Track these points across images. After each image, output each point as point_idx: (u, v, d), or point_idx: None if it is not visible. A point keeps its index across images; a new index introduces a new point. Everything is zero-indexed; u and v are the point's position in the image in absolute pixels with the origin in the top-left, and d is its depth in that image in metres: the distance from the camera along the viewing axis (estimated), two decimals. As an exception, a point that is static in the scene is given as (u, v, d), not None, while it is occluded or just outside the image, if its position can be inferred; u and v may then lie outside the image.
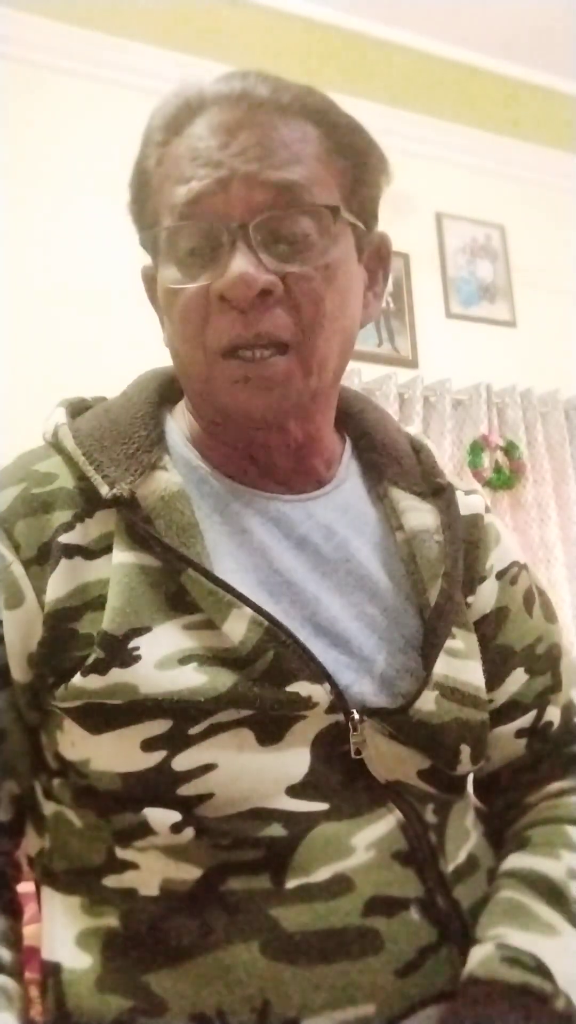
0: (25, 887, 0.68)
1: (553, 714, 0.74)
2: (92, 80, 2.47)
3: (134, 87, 2.41)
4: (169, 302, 0.66)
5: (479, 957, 0.58)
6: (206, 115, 0.65)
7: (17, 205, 2.31)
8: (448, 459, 2.58)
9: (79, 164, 2.39)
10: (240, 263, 0.61)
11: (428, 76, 2.93)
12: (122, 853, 0.60)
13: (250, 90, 0.65)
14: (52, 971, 0.60)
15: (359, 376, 2.52)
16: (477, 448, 2.64)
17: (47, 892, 0.64)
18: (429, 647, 0.66)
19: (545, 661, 0.75)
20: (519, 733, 0.73)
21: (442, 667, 0.66)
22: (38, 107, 2.40)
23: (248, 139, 0.63)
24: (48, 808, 0.65)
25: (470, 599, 0.74)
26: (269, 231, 0.63)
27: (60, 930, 0.61)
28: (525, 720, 0.73)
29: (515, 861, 0.67)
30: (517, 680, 0.74)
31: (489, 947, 0.58)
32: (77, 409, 0.74)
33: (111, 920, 0.59)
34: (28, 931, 0.69)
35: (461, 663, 0.68)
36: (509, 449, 2.68)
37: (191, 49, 2.53)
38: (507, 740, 0.73)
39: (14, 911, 0.66)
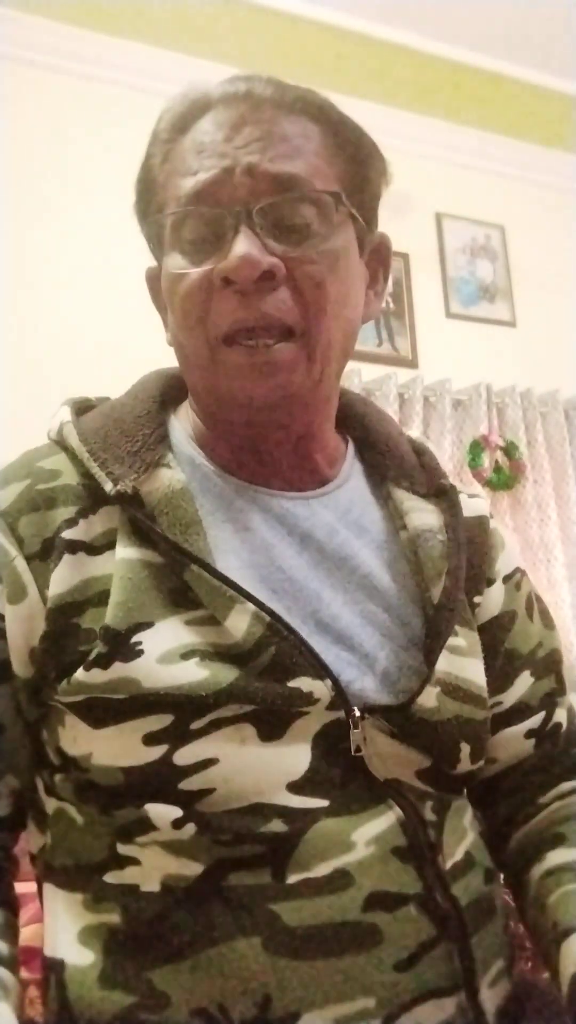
0: (25, 887, 0.68)
1: (561, 716, 0.76)
2: (92, 80, 2.48)
3: (134, 87, 2.42)
4: (172, 290, 0.67)
5: None
6: (212, 113, 0.67)
7: (17, 205, 2.31)
8: (448, 459, 2.58)
9: (79, 164, 2.40)
10: (243, 245, 0.62)
11: (428, 76, 2.93)
12: (123, 849, 0.60)
13: (254, 90, 0.66)
14: (55, 968, 0.60)
15: (359, 376, 2.52)
16: (477, 448, 2.64)
17: (49, 889, 0.64)
18: (431, 643, 0.67)
19: (548, 665, 0.77)
20: (528, 734, 0.74)
21: (444, 664, 0.66)
22: (38, 107, 2.40)
23: (252, 133, 0.65)
24: (50, 804, 0.65)
25: (478, 599, 0.75)
26: (272, 218, 0.64)
27: (62, 927, 0.61)
28: (534, 721, 0.74)
29: (562, 856, 0.67)
30: (524, 683, 0.75)
31: None
32: (82, 408, 0.74)
33: (113, 916, 0.59)
34: (28, 931, 0.69)
35: (463, 661, 0.68)
36: (509, 449, 2.68)
37: (191, 50, 2.53)
38: (516, 741, 0.74)
39: (11, 905, 0.66)
